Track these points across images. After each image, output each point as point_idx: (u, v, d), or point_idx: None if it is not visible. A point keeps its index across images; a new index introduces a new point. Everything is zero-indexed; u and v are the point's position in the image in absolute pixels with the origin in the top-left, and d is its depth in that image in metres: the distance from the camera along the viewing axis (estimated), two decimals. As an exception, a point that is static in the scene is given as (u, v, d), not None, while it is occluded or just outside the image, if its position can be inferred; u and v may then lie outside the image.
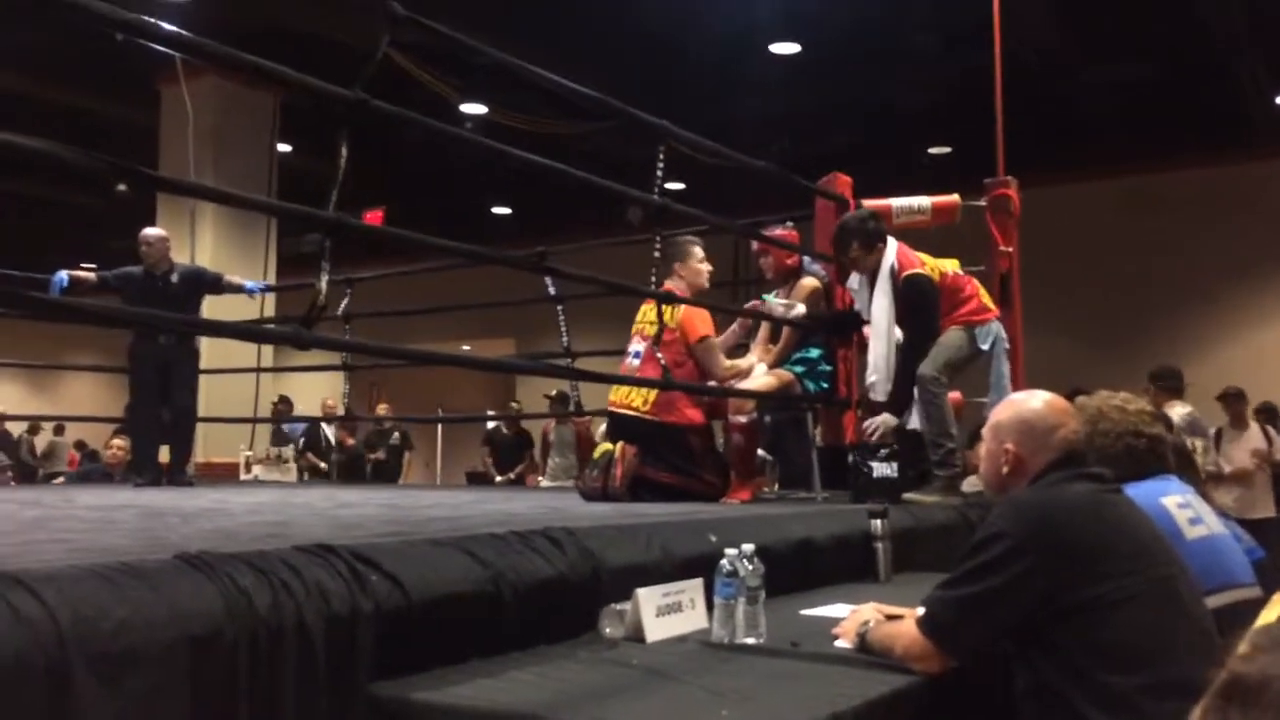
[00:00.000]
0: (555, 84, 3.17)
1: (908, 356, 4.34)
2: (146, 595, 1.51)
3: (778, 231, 5.07)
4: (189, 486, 5.82)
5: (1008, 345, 4.55)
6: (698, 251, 4.57)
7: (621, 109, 3.47)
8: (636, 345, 4.46)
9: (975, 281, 4.58)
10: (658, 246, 4.03)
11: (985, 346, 4.42)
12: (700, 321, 4.39)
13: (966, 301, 4.45)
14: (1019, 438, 2.15)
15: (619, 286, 3.96)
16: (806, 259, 5.09)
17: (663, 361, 4.16)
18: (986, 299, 4.55)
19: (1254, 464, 7.39)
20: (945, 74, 8.48)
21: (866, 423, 4.43)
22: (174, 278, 6.04)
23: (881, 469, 4.32)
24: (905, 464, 4.26)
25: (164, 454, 6.03)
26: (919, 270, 4.35)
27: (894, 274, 4.38)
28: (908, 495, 4.16)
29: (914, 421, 4.34)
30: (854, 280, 4.68)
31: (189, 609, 1.54)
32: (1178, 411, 6.20)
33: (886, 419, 4.32)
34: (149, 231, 6.13)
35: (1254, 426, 7.62)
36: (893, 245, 4.45)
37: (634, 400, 4.34)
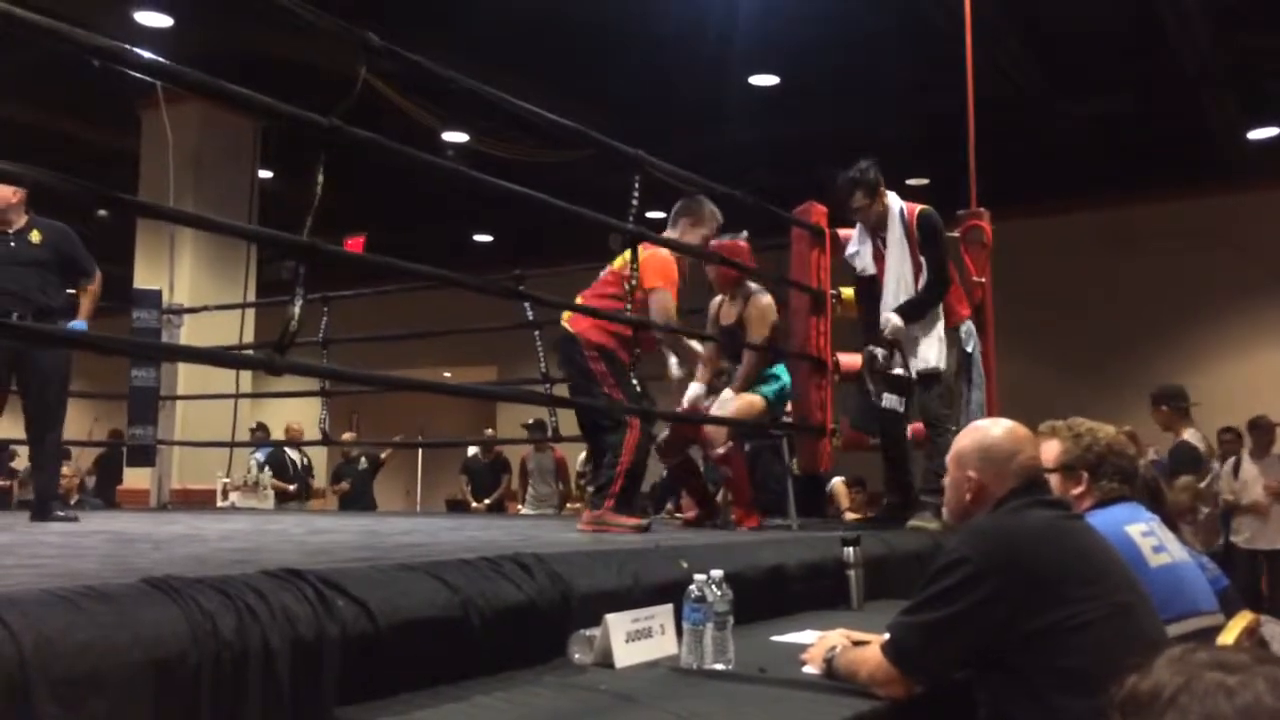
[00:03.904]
0: (531, 113, 3.19)
1: (928, 286, 4.46)
2: (110, 619, 1.51)
3: (726, 242, 4.97)
4: (70, 521, 4.46)
5: (981, 347, 4.70)
6: (709, 219, 4.49)
7: (596, 139, 3.48)
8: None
9: None
10: (636, 271, 4.02)
11: (970, 349, 4.54)
12: (656, 271, 4.14)
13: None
14: (980, 465, 2.19)
15: (592, 313, 3.98)
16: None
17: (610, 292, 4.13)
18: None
19: (1267, 497, 7.31)
20: (922, 106, 8.58)
21: (883, 321, 4.46)
22: (33, 236, 4.58)
23: (890, 401, 4.44)
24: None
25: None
26: (928, 208, 4.56)
27: (904, 216, 4.53)
28: (913, 522, 4.25)
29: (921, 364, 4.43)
30: (852, 244, 4.72)
31: (153, 633, 1.53)
32: (1189, 435, 6.23)
33: (892, 318, 4.40)
34: None
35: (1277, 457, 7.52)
36: (894, 196, 4.59)
37: (565, 315, 4.23)
